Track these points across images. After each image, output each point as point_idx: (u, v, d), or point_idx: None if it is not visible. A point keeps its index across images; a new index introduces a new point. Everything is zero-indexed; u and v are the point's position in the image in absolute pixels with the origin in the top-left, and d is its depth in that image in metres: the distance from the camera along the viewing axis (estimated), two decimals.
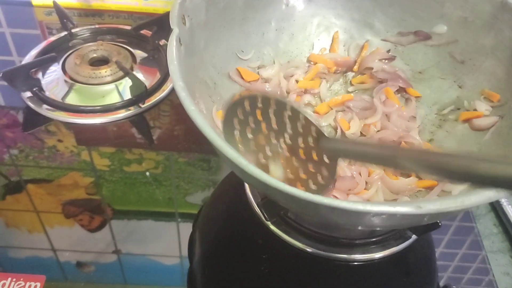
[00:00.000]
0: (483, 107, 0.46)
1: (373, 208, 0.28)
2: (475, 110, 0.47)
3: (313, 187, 0.40)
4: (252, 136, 0.39)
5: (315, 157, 0.38)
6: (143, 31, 0.72)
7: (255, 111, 0.38)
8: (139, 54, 0.69)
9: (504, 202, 0.53)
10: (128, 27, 0.72)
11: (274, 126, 0.38)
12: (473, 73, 0.48)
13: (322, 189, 0.40)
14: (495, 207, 0.53)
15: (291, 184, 0.39)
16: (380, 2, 0.52)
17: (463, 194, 0.29)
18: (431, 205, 0.27)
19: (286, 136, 0.39)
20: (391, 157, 0.33)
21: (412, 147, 0.46)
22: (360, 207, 0.28)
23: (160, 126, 0.60)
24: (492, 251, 0.49)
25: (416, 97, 0.52)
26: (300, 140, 0.38)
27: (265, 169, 0.41)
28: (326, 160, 0.38)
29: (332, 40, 0.55)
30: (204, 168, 0.55)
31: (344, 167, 0.45)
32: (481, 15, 0.46)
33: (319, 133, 0.37)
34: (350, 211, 0.28)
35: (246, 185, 0.50)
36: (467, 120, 0.47)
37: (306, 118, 0.37)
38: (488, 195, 0.28)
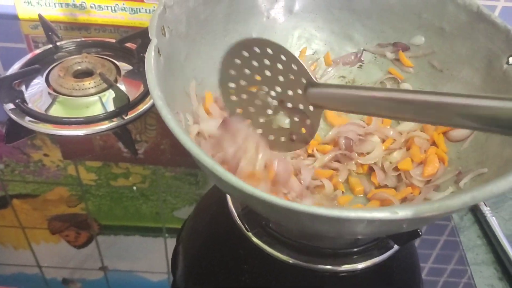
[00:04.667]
0: None
1: (350, 214, 0.28)
2: None
3: (293, 137, 0.42)
4: (245, 83, 0.41)
5: (301, 106, 0.40)
6: (128, 44, 0.72)
7: (252, 58, 0.40)
8: (124, 66, 0.69)
9: (488, 213, 0.53)
10: (114, 41, 0.72)
11: (268, 73, 0.40)
12: (451, 83, 0.48)
13: (302, 140, 0.42)
14: (479, 219, 0.53)
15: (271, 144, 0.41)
16: (359, 14, 0.52)
17: (440, 200, 0.29)
18: (407, 210, 0.27)
19: (278, 84, 0.40)
20: (388, 100, 0.32)
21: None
22: (336, 213, 0.28)
23: (147, 140, 0.60)
24: (476, 263, 0.49)
25: None
26: (289, 90, 0.40)
27: (255, 121, 0.43)
28: (311, 108, 0.39)
29: (300, 53, 0.55)
30: (192, 183, 0.55)
31: None
32: (457, 24, 0.47)
33: (309, 79, 0.38)
34: (329, 217, 0.28)
35: (228, 197, 0.49)
36: (444, 133, 0.48)
37: (299, 64, 0.38)
38: (464, 199, 0.28)
